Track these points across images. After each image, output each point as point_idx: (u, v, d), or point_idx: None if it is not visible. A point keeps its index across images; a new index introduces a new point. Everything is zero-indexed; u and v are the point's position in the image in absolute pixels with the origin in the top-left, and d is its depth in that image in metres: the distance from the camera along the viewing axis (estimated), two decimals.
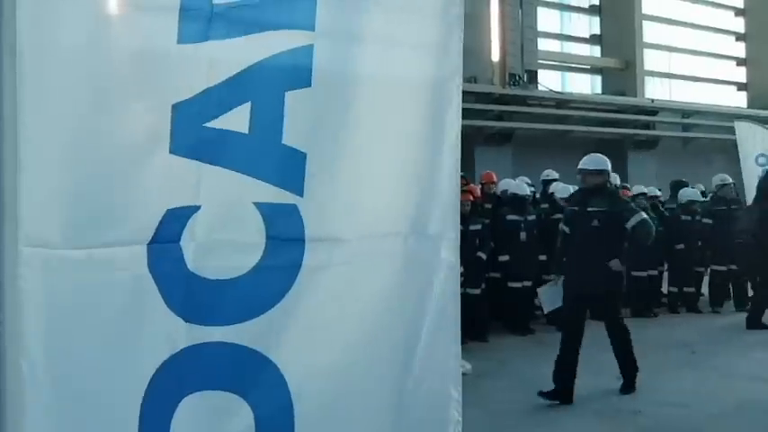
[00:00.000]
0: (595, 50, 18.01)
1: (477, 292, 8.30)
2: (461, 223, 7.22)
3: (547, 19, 16.67)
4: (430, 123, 1.93)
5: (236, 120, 1.71)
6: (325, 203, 1.80)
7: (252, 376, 1.72)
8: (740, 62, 20.74)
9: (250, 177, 1.72)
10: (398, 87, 1.90)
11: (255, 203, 1.73)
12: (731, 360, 7.37)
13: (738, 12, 20.74)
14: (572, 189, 9.28)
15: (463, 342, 7.20)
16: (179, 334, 1.67)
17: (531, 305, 9.37)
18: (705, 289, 10.74)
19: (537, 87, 15.29)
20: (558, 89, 16.11)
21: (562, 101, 15.76)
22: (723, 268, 10.25)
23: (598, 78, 17.97)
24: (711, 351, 7.83)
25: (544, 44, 16.15)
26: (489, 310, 9.11)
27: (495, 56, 14.87)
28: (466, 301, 8.14)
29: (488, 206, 9.26)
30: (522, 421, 5.47)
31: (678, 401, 5.86)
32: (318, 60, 1.78)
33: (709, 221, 10.29)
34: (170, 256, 1.66)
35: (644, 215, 6.41)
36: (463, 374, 6.61)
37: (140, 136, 1.65)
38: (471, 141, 14.31)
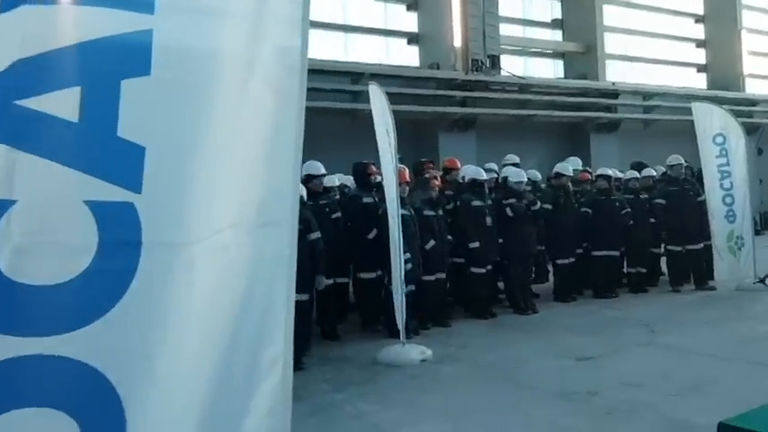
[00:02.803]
0: (557, 35, 18.11)
1: (439, 276, 8.28)
2: (431, 208, 7.13)
3: (508, 4, 16.67)
4: (272, 110, 1.84)
5: (62, 104, 1.57)
6: (167, 202, 1.67)
7: (79, 391, 1.59)
8: (699, 44, 21.01)
9: (80, 172, 1.58)
10: (240, 73, 1.78)
11: (86, 201, 1.59)
12: (690, 339, 7.41)
13: None
14: (524, 174, 9.37)
15: (425, 327, 7.20)
16: None
17: (494, 289, 9.42)
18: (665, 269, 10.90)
19: (499, 72, 15.30)
20: (521, 74, 16.13)
21: (525, 85, 15.81)
22: (679, 248, 10.36)
23: (560, 63, 18.08)
24: (670, 330, 7.88)
25: (506, 29, 16.16)
26: (452, 295, 9.13)
27: (458, 42, 14.84)
28: (427, 287, 8.20)
29: (450, 192, 9.22)
30: (479, 405, 5.45)
31: (635, 381, 5.88)
32: (159, 46, 1.66)
33: (662, 202, 10.39)
34: None
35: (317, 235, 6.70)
36: (423, 360, 6.63)
37: None
38: (435, 127, 14.31)
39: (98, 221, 1.59)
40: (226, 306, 1.75)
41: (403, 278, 6.93)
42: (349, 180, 9.07)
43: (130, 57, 1.64)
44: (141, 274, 1.62)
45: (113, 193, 1.61)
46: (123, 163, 1.63)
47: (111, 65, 1.63)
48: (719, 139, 10.34)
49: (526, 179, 9.34)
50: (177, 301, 1.67)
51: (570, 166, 10.38)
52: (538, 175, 10.60)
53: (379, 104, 7.30)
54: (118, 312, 1.60)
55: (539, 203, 9.22)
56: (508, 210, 8.97)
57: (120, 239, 1.62)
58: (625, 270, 10.58)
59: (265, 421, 1.79)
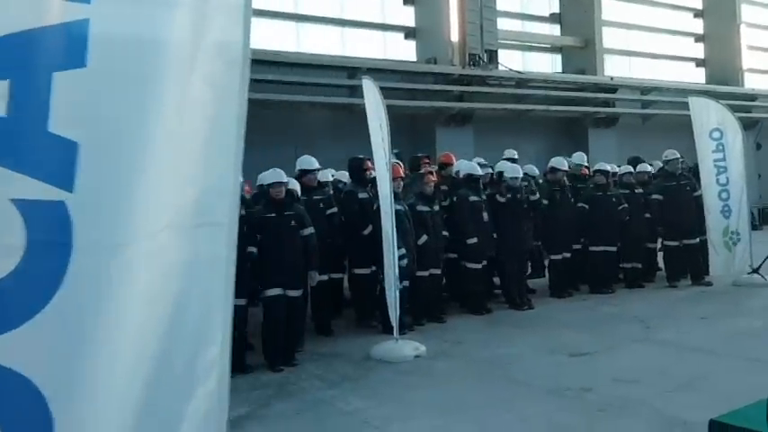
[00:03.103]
0: (555, 29, 18.02)
1: (434, 272, 8.25)
2: (426, 204, 7.21)
3: None
4: (211, 105, 1.79)
5: None
6: (101, 201, 1.61)
7: (4, 397, 1.53)
8: (698, 38, 20.92)
9: (6, 169, 1.52)
10: (180, 66, 1.72)
11: (13, 200, 1.52)
12: (686, 334, 7.39)
13: None
14: (520, 170, 9.30)
15: (420, 323, 7.19)
16: None
17: (490, 284, 9.38)
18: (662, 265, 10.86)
19: (497, 67, 15.22)
20: (519, 68, 16.06)
21: (522, 80, 15.73)
22: (676, 243, 10.31)
23: (558, 57, 17.99)
24: (666, 325, 7.86)
25: (504, 23, 16.08)
26: (447, 291, 9.09)
27: (455, 36, 14.76)
28: (420, 283, 8.16)
29: (445, 188, 9.17)
30: (472, 401, 5.42)
31: (630, 377, 5.85)
32: (95, 37, 1.59)
33: (659, 197, 10.32)
34: None
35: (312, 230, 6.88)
36: (417, 356, 6.60)
37: None
38: (432, 122, 14.26)
39: (26, 221, 1.53)
40: (162, 308, 1.70)
41: (397, 274, 6.89)
42: (344, 176, 9.01)
43: (64, 48, 1.58)
44: (72, 275, 1.56)
45: (43, 191, 1.55)
46: (54, 160, 1.56)
47: (42, 57, 1.56)
48: (716, 134, 10.29)
49: (522, 174, 9.28)
50: (111, 302, 1.61)
51: (565, 160, 10.28)
52: (535, 171, 10.54)
53: (372, 99, 7.24)
54: (47, 315, 1.54)
55: (537, 194, 9.17)
56: (498, 196, 8.88)
57: (49, 240, 1.55)
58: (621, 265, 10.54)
59: (202, 425, 1.75)
